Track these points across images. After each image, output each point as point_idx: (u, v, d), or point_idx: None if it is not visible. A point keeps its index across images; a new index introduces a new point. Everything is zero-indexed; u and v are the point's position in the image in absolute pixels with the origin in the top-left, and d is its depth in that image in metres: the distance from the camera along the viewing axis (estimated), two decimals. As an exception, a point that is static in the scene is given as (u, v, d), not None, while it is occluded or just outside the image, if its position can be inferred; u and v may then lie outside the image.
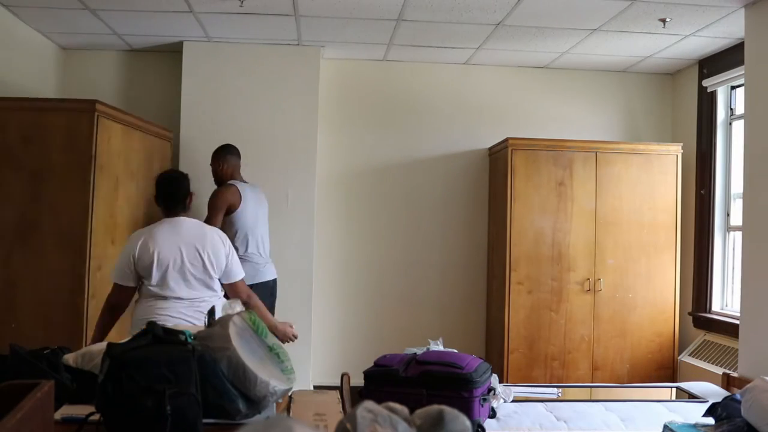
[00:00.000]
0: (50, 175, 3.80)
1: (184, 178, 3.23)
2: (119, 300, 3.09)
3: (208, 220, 4.03)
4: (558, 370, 4.96)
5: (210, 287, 3.11)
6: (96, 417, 1.64)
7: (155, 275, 3.00)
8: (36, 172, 3.80)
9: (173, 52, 5.14)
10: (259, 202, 4.48)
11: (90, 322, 3.83)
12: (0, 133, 3.80)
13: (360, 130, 5.49)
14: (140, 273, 3.04)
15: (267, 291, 4.32)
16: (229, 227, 4.20)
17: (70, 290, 3.80)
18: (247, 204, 4.30)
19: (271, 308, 4.32)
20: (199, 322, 2.90)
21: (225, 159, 4.40)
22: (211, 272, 3.09)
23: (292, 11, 4.34)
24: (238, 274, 3.21)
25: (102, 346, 1.94)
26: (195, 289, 3.06)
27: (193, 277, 3.05)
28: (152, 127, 4.61)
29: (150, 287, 3.02)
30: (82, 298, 3.82)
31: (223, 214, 4.19)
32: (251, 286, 3.69)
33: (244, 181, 4.43)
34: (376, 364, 3.67)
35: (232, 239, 4.05)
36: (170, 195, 3.16)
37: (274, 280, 4.49)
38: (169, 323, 2.58)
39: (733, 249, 4.96)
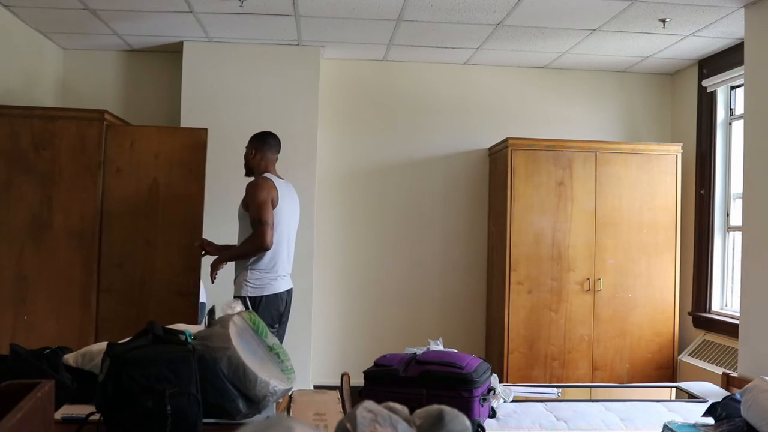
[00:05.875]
0: (60, 178, 4.08)
1: None
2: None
3: (260, 218, 3.55)
4: (558, 370, 4.96)
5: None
6: (96, 417, 1.65)
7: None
8: (47, 175, 4.07)
9: (173, 52, 5.14)
10: (293, 202, 3.93)
11: (100, 315, 4.10)
12: (13, 139, 4.07)
13: (360, 130, 5.48)
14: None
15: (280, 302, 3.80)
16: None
17: (80, 285, 4.06)
18: (284, 202, 3.75)
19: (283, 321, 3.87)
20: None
21: (259, 149, 3.89)
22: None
23: (292, 11, 4.34)
24: None
25: (102, 346, 1.95)
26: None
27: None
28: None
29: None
30: (92, 292, 4.08)
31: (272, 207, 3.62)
32: (263, 298, 3.62)
33: (280, 177, 3.90)
34: (376, 364, 3.67)
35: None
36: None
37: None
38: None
39: (733, 249, 4.96)
